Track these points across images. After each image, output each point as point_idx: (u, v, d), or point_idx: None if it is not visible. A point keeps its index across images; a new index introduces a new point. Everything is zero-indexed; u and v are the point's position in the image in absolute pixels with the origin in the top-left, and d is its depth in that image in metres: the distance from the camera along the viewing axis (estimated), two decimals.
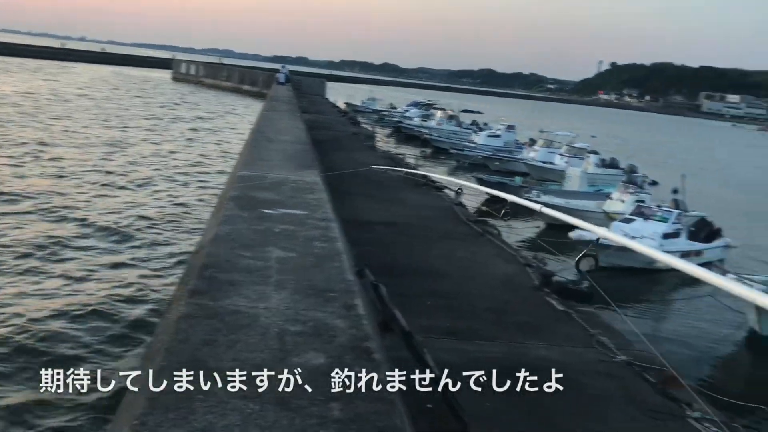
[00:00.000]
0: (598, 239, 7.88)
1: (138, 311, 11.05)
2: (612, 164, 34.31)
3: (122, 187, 20.34)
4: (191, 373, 2.69)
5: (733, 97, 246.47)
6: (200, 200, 19.67)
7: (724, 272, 13.44)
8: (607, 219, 19.64)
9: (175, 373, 2.67)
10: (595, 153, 34.97)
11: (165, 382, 2.59)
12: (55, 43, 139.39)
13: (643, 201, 19.89)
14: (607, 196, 22.47)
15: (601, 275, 17.18)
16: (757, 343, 13.02)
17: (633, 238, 17.16)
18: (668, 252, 17.42)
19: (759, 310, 12.64)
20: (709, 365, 12.49)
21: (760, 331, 12.86)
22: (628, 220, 18.29)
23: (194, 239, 14.11)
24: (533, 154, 35.54)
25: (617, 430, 5.92)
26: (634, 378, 7.15)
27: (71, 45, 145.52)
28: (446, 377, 5.79)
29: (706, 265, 16.41)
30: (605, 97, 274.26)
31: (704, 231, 19.09)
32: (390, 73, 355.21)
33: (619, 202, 20.89)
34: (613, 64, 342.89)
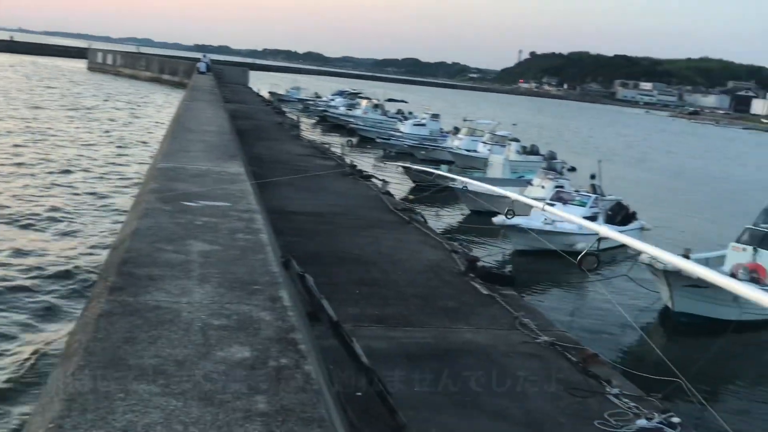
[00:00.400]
0: (600, 238, 8.14)
1: (51, 304, 10.67)
2: (533, 151, 35.26)
3: (33, 176, 19.49)
4: (111, 371, 2.62)
5: (646, 85, 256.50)
6: (119, 193, 19.07)
7: (637, 252, 14.00)
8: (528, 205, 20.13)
9: (93, 372, 2.60)
10: (517, 141, 35.82)
11: (83, 382, 2.51)
12: None
13: (562, 186, 20.51)
14: (529, 182, 23.04)
15: (523, 259, 17.75)
16: (670, 320, 13.67)
17: (553, 222, 17.74)
18: (586, 234, 18.11)
19: (671, 288, 13.27)
20: (627, 342, 13.03)
21: (673, 308, 13.51)
22: (548, 205, 18.81)
23: (112, 233, 13.69)
24: (458, 143, 36.05)
25: (540, 408, 6.11)
26: (557, 358, 7.39)
27: None
28: (375, 365, 5.85)
29: (621, 246, 17.14)
30: (525, 85, 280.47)
31: (620, 214, 19.87)
32: (314, 62, 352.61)
33: (540, 188, 21.47)
34: (533, 54, 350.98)
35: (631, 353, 12.42)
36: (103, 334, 2.97)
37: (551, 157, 29.92)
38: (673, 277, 13.03)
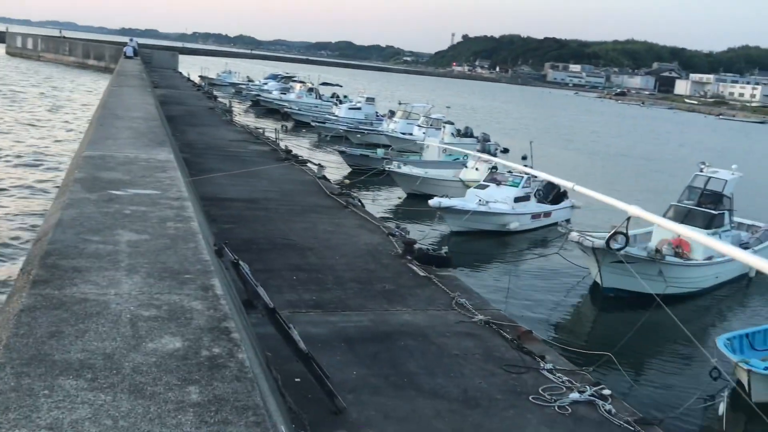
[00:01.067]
0: (629, 217, 8.17)
1: None
2: (467, 134, 35.67)
3: None
4: (35, 368, 2.53)
5: (575, 67, 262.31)
6: (41, 182, 18.36)
7: (569, 231, 14.39)
8: (463, 187, 20.41)
9: (15, 369, 2.50)
10: (451, 123, 36.14)
11: (4, 381, 2.41)
12: None
13: (495, 168, 20.83)
14: (464, 164, 23.31)
15: (459, 240, 17.98)
16: (599, 295, 14.14)
17: (488, 203, 18.05)
18: (518, 214, 18.41)
19: (600, 264, 13.70)
20: (559, 318, 13.41)
21: (601, 284, 13.97)
22: (482, 187, 19.11)
23: (35, 224, 13.19)
24: (393, 126, 36.12)
25: (477, 385, 6.23)
26: (492, 336, 7.54)
27: None
28: (314, 350, 5.84)
29: (554, 225, 17.55)
30: (459, 68, 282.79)
31: (551, 193, 20.36)
32: (246, 46, 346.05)
33: (474, 170, 21.76)
34: (465, 37, 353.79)
35: (563, 329, 12.80)
36: (26, 329, 2.86)
37: (485, 139, 30.31)
38: (601, 253, 13.45)
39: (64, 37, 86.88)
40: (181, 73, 54.33)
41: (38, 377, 2.46)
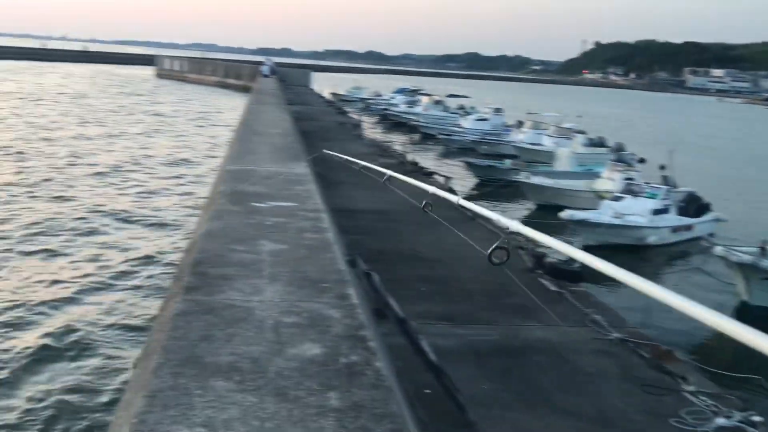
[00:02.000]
0: (510, 233, 7.86)
1: (142, 301, 11.10)
2: (599, 143, 34.48)
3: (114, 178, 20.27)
4: (189, 369, 2.71)
5: (718, 72, 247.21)
6: (191, 195, 19.62)
7: (713, 245, 13.56)
8: (597, 198, 19.73)
9: (172, 370, 2.69)
10: (583, 133, 35.09)
11: (163, 379, 2.60)
12: (35, 44, 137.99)
13: (632, 179, 19.99)
14: (597, 175, 22.55)
15: (592, 254, 17.30)
16: (747, 313, 13.17)
17: (623, 215, 17.32)
18: (656, 227, 17.53)
19: (748, 280, 12.78)
20: (701, 337, 12.61)
21: (750, 301, 13.02)
22: (618, 199, 18.39)
23: (183, 236, 14.12)
24: (521, 136, 35.61)
25: (613, 405, 5.98)
26: (629, 354, 7.23)
27: (52, 45, 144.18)
28: (442, 362, 5.85)
29: (696, 239, 16.54)
30: (590, 76, 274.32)
31: (693, 206, 19.23)
32: (375, 61, 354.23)
33: (609, 181, 21.00)
34: (597, 43, 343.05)
35: (706, 349, 12.01)
36: (180, 332, 3.06)
37: (619, 148, 29.21)
38: (750, 270, 12.55)
39: (207, 59, 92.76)
40: (313, 89, 56.35)
41: (192, 377, 2.63)
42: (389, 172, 14.77)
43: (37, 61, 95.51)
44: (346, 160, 16.46)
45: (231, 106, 47.56)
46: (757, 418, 5.96)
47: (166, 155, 26.61)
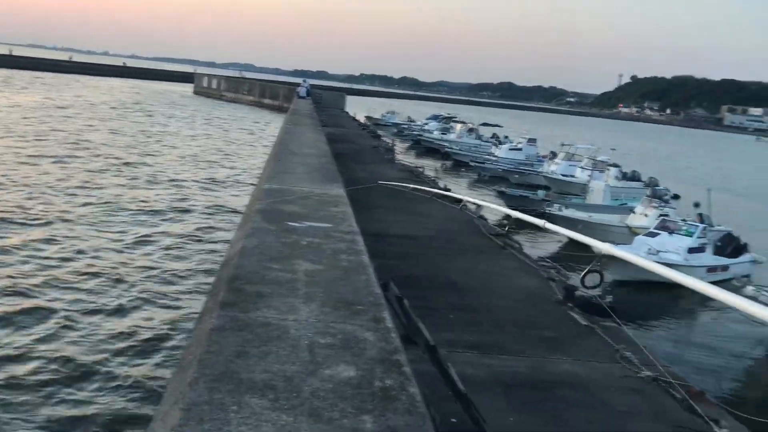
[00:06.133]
0: (602, 255, 7.76)
1: (171, 315, 11.20)
2: (633, 177, 34.09)
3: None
4: (224, 384, 2.72)
5: (756, 110, 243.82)
6: (231, 211, 19.86)
7: (744, 286, 13.28)
8: (631, 233, 19.48)
9: (208, 384, 2.71)
10: (616, 166, 34.78)
11: (199, 393, 2.61)
12: (79, 57, 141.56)
13: (667, 215, 19.71)
14: (631, 209, 22.28)
15: (624, 290, 17.11)
16: None
17: (658, 252, 17.05)
18: (693, 266, 17.22)
19: None
20: (733, 380, 12.32)
21: None
22: (652, 234, 18.12)
23: (221, 251, 14.25)
24: (554, 167, 35.41)
25: None
26: (660, 394, 7.07)
27: (94, 59, 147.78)
28: (469, 391, 5.79)
29: (730, 280, 16.23)
30: (625, 110, 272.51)
31: (730, 246, 18.84)
32: (409, 87, 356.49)
33: (643, 216, 20.73)
34: (633, 77, 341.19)
35: (738, 392, 11.73)
36: (216, 347, 3.09)
37: (654, 183, 28.87)
38: None
39: (244, 78, 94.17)
40: (347, 113, 56.80)
41: (228, 393, 2.65)
42: (465, 198, 14.93)
43: (77, 74, 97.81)
44: (413, 188, 16.08)
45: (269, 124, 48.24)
46: None
47: None
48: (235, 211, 19.08)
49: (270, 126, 49.83)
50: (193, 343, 3.32)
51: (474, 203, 13.27)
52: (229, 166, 30.23)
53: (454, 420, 5.72)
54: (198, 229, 17.82)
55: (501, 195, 26.53)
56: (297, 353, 3.10)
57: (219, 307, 3.63)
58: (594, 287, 7.58)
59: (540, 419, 6.15)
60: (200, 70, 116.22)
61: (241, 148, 37.40)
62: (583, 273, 7.22)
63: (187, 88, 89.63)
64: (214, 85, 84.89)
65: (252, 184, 19.76)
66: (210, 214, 19.75)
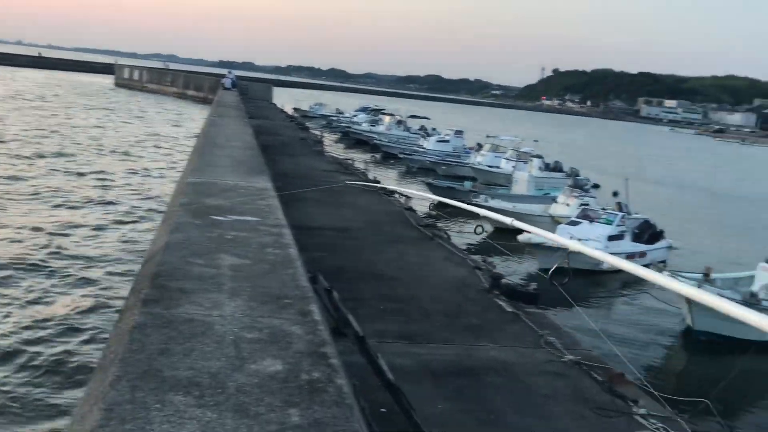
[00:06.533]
0: (567, 252, 7.94)
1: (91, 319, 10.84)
2: (556, 168, 35.10)
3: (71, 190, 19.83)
4: (147, 382, 2.66)
5: (671, 103, 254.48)
6: (148, 208, 19.32)
7: (660, 270, 13.87)
8: (553, 222, 20.04)
9: (130, 383, 2.64)
10: (540, 157, 35.72)
11: (121, 393, 2.55)
12: None
13: (587, 204, 20.38)
14: (553, 199, 22.92)
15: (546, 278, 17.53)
16: (692, 337, 13.52)
17: (579, 240, 17.61)
18: (613, 253, 17.83)
19: (690, 305, 13.13)
20: (652, 361, 12.89)
21: (693, 326, 13.35)
22: (573, 223, 18.70)
23: (141, 247, 13.88)
24: (480, 159, 36.04)
25: (566, 427, 6.06)
26: (582, 377, 7.33)
27: (5, 49, 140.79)
28: (399, 381, 5.84)
29: (647, 266, 16.88)
30: (548, 102, 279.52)
31: (647, 233, 19.66)
32: (337, 79, 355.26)
33: (565, 205, 21.35)
34: (556, 71, 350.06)
35: (656, 373, 12.28)
36: (138, 345, 3.01)
37: (574, 173, 29.77)
38: None
39: (168, 69, 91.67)
40: (275, 104, 56.16)
41: (150, 392, 2.59)
42: (439, 198, 15.23)
43: None
44: (380, 189, 16.09)
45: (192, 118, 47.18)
46: None
47: None
48: (157, 206, 18.61)
49: (194, 118, 48.79)
50: (114, 342, 3.23)
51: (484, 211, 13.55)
52: (150, 158, 29.45)
53: (383, 410, 5.77)
54: (117, 222, 17.31)
55: (429, 186, 26.81)
56: (222, 349, 3.06)
57: (141, 304, 3.54)
58: (563, 284, 7.73)
59: (467, 405, 6.28)
60: (122, 61, 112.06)
61: (164, 141, 36.46)
62: (551, 270, 7.38)
63: (108, 79, 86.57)
64: (135, 76, 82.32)
65: (175, 179, 19.35)
66: (131, 207, 19.20)
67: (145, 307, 3.48)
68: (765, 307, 13.20)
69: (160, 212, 16.29)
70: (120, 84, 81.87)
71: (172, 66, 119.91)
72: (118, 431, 2.30)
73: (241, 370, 2.86)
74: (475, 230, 15.00)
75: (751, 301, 12.93)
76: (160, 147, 33.94)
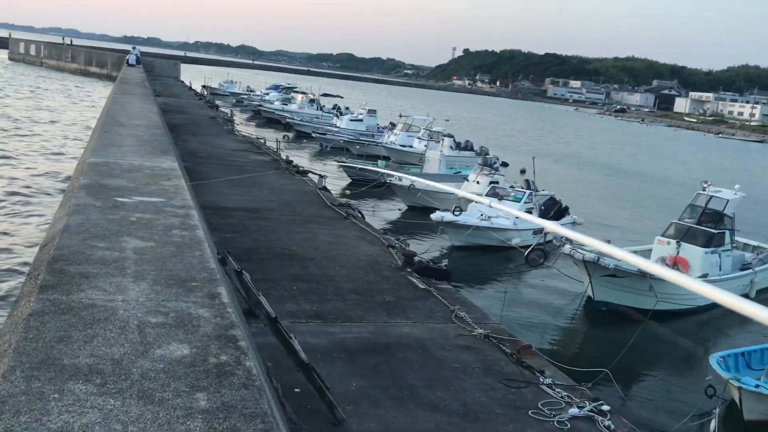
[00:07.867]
0: (545, 234, 8.10)
1: None
2: (466, 147, 35.72)
3: None
4: (45, 372, 2.55)
5: (575, 83, 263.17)
6: (45, 189, 18.39)
7: (564, 245, 14.41)
8: (464, 201, 20.44)
9: (26, 373, 2.52)
10: (450, 136, 36.26)
11: (15, 384, 2.43)
12: None
13: (497, 182, 20.86)
14: (464, 178, 23.34)
15: (460, 254, 17.99)
16: (593, 308, 14.18)
17: (489, 217, 18.07)
18: (520, 230, 18.37)
19: (590, 278, 13.75)
20: (557, 332, 13.42)
21: (594, 297, 14.00)
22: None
23: (39, 230, 13.22)
24: (393, 138, 36.23)
25: (476, 399, 6.24)
26: (492, 350, 7.56)
27: None
28: (314, 360, 5.85)
29: (551, 241, 17.58)
30: (459, 82, 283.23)
31: (553, 209, 20.35)
32: (248, 56, 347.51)
33: (475, 183, 21.79)
34: (466, 51, 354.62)
35: (561, 343, 12.82)
36: (35, 333, 2.88)
37: (484, 152, 30.38)
38: (592, 267, 13.48)
39: (69, 44, 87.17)
40: (183, 81, 54.47)
41: (48, 381, 2.48)
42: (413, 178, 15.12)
43: None
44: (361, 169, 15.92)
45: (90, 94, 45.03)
46: (605, 407, 6.44)
47: None
48: (55, 186, 17.75)
49: (96, 95, 46.69)
50: (8, 331, 3.06)
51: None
52: (48, 137, 27.99)
53: (297, 390, 5.77)
54: (11, 204, 16.40)
55: (342, 166, 26.77)
56: (126, 335, 2.96)
57: (38, 290, 3.38)
58: (539, 265, 7.88)
59: (381, 382, 6.36)
60: (16, 34, 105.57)
61: (62, 117, 34.73)
62: (527, 251, 7.47)
63: (2, 54, 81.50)
64: (33, 51, 77.90)
65: (75, 158, 18.48)
66: (26, 188, 18.22)
67: (42, 294, 3.33)
68: (658, 277, 13.93)
69: (59, 193, 15.55)
70: (15, 59, 77.35)
71: (74, 41, 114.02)
72: (12, 425, 2.19)
73: (145, 356, 2.78)
74: (453, 211, 15.85)
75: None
76: (57, 124, 32.29)
